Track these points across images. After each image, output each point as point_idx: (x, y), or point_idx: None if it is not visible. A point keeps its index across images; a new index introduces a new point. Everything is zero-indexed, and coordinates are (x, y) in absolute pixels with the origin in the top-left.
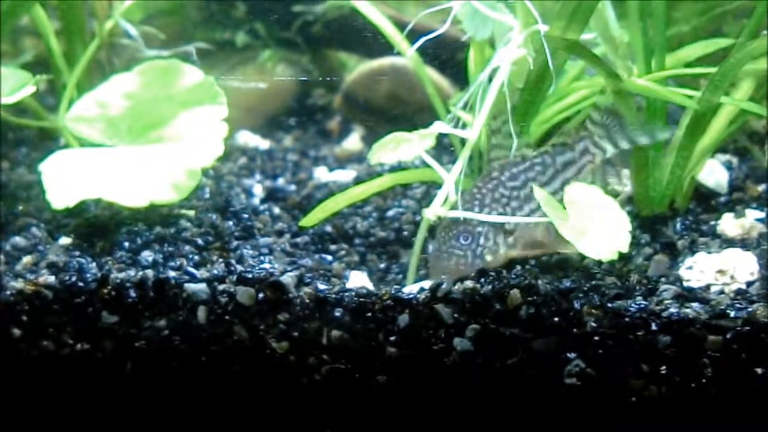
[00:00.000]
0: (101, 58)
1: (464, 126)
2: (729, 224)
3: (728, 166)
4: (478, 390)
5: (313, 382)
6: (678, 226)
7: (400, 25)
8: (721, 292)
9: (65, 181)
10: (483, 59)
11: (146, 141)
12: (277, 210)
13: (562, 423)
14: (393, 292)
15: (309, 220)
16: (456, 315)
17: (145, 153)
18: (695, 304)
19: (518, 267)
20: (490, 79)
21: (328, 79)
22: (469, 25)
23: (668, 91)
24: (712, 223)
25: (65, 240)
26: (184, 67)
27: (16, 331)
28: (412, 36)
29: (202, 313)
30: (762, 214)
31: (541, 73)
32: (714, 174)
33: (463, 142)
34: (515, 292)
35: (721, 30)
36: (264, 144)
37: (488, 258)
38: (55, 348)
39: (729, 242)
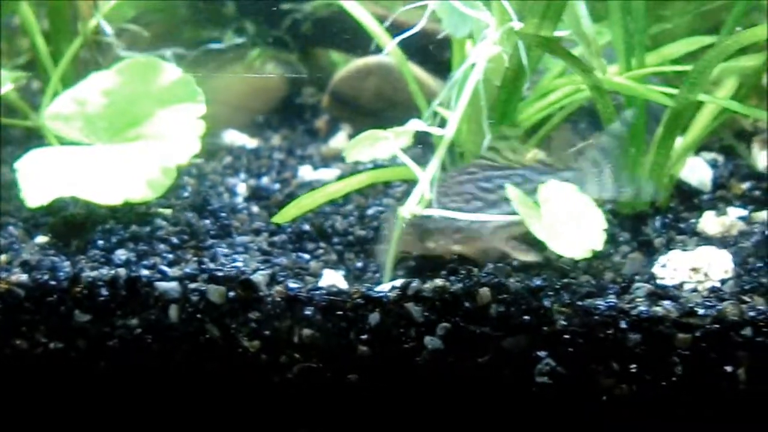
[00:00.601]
0: (87, 57)
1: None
2: (709, 222)
3: (713, 164)
4: (449, 388)
5: (286, 380)
6: (657, 224)
7: (389, 24)
8: (694, 290)
9: (40, 179)
10: (463, 57)
11: (124, 139)
12: (256, 209)
13: (533, 421)
14: (363, 290)
15: (283, 217)
16: (426, 313)
17: (121, 151)
18: (666, 302)
19: (490, 266)
20: None
21: (302, 75)
22: (448, 23)
23: (645, 88)
24: (693, 221)
25: (41, 238)
26: (163, 64)
27: None
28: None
29: (173, 311)
30: (745, 212)
31: (517, 71)
32: (697, 172)
33: None
34: (485, 291)
35: (716, 28)
36: (251, 143)
37: (430, 245)
38: (28, 347)
39: (707, 240)
